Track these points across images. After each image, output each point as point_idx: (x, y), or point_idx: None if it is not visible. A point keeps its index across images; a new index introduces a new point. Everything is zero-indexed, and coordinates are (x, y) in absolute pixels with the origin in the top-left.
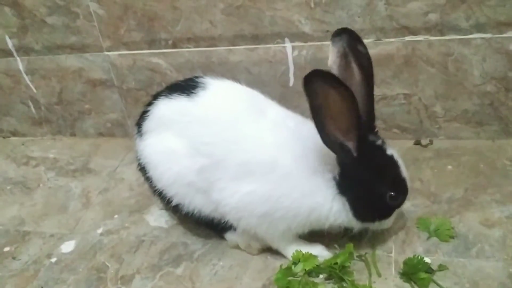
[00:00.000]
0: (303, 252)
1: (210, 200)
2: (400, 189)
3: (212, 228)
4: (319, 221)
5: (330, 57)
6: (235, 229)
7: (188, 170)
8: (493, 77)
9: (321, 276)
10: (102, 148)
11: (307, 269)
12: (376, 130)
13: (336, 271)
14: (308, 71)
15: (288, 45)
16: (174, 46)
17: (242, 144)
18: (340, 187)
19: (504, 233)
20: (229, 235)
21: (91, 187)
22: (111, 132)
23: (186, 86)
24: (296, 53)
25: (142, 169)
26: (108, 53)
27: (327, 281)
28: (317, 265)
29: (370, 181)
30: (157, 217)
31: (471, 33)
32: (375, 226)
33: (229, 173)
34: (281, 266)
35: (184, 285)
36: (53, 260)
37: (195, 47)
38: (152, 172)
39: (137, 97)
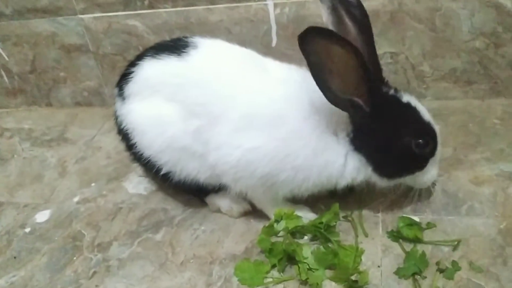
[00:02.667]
0: (285, 210)
1: (205, 165)
2: (427, 134)
3: (194, 193)
4: (331, 181)
5: (323, 15)
6: (216, 192)
7: (182, 133)
8: (482, 33)
9: (305, 237)
10: (79, 118)
11: (290, 227)
12: (386, 80)
13: (321, 231)
14: (291, 30)
15: (270, 2)
16: (151, 6)
17: (244, 98)
18: (355, 144)
19: (494, 190)
20: (210, 199)
21: (67, 156)
22: (88, 101)
23: (175, 46)
24: (278, 11)
25: (125, 136)
26: (82, 16)
27: (312, 242)
28: (301, 225)
29: (389, 134)
30: (136, 184)
31: None
32: (415, 181)
33: (229, 127)
34: (264, 226)
35: (164, 250)
36: (27, 230)
37: (172, 7)
38: (139, 139)
39: (114, 63)
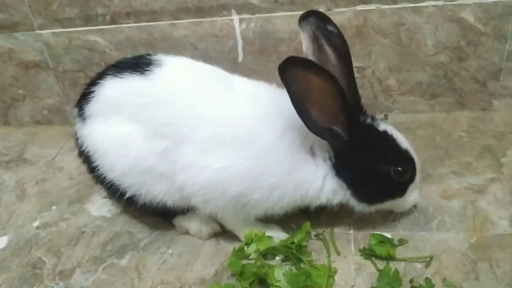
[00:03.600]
0: (255, 232)
1: (173, 187)
2: (405, 162)
3: (160, 214)
4: (305, 200)
5: (303, 43)
6: (184, 214)
7: (146, 154)
8: (446, 47)
9: (277, 258)
10: (39, 137)
11: (261, 249)
12: (364, 109)
13: (293, 252)
14: (257, 45)
15: (235, 17)
16: (113, 21)
17: (210, 118)
18: (336, 169)
19: (464, 203)
20: (178, 221)
21: (26, 178)
22: (49, 119)
23: (138, 64)
24: (244, 26)
25: (86, 158)
26: (41, 31)
27: (284, 263)
28: (272, 246)
29: (368, 162)
30: (99, 206)
31: (423, 1)
32: (396, 206)
33: (196, 148)
34: (234, 249)
35: (130, 276)
36: None
37: (135, 22)
38: (101, 162)
39: (75, 80)
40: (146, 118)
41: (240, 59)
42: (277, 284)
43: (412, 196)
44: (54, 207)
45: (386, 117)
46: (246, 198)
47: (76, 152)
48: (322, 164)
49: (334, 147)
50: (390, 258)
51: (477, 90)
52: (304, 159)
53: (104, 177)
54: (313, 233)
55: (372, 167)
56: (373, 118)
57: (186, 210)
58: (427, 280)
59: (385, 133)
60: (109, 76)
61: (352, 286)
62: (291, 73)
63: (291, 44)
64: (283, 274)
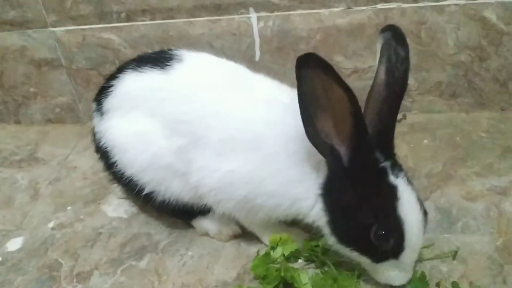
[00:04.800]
0: (281, 236)
1: (188, 184)
2: (391, 230)
3: (179, 215)
4: (299, 215)
5: (378, 47)
6: (204, 215)
7: (164, 152)
8: (467, 46)
9: (300, 261)
10: (51, 136)
11: (286, 253)
12: (390, 150)
13: (317, 255)
14: (275, 43)
15: (253, 15)
16: (128, 19)
17: (225, 120)
18: (323, 189)
19: (487, 206)
20: (197, 222)
21: (39, 178)
22: (61, 118)
23: (158, 59)
24: (261, 24)
25: (104, 154)
26: (54, 29)
27: (307, 266)
28: (297, 249)
29: (355, 202)
30: (116, 207)
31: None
32: (369, 268)
33: (210, 150)
34: (257, 252)
35: (149, 279)
36: None
37: (150, 19)
38: (119, 157)
39: (88, 78)
40: (164, 114)
41: (257, 58)
42: (304, 287)
43: (390, 273)
44: (69, 208)
45: (404, 117)
46: (251, 202)
47: (89, 151)
48: (317, 183)
49: (329, 167)
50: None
51: (497, 91)
52: (307, 172)
53: (122, 173)
54: None
55: (356, 210)
56: (393, 167)
57: (206, 211)
58: (454, 283)
59: (392, 188)
60: (129, 70)
61: None
62: (309, 71)
63: (310, 42)
64: (309, 278)
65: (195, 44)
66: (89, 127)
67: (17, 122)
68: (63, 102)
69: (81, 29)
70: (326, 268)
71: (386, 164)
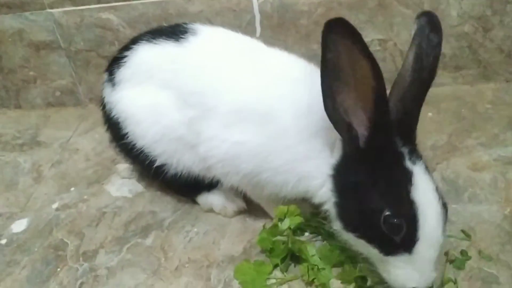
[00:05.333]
0: (288, 207)
1: (198, 156)
2: (403, 217)
3: (184, 191)
4: (308, 193)
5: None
6: (208, 190)
7: (177, 124)
8: (470, 16)
9: (306, 234)
10: (52, 119)
11: (293, 226)
12: (410, 137)
13: (324, 227)
14: (275, 19)
15: None
16: None
17: (236, 92)
18: (334, 170)
19: (494, 175)
20: (202, 198)
21: (42, 161)
22: (61, 101)
23: (173, 31)
24: None
25: (115, 125)
26: (51, 10)
27: (314, 239)
28: (304, 221)
29: (366, 185)
30: (119, 187)
31: None
32: (377, 262)
33: (219, 121)
34: (264, 225)
35: (155, 255)
36: (3, 241)
37: None
38: (132, 129)
39: (88, 60)
40: (177, 86)
41: (257, 34)
42: (312, 259)
43: (401, 271)
44: (72, 189)
45: None
46: (257, 177)
47: (91, 133)
48: (329, 163)
49: (344, 147)
50: None
51: (502, 61)
52: (317, 150)
53: (133, 145)
54: None
55: (367, 193)
56: (413, 156)
57: (211, 187)
58: (463, 252)
59: (407, 173)
60: (143, 42)
61: None
62: (336, 37)
63: (311, 17)
64: (316, 250)
65: (194, 21)
66: (90, 110)
67: (18, 107)
68: (63, 85)
69: (79, 9)
70: (333, 241)
71: (404, 149)
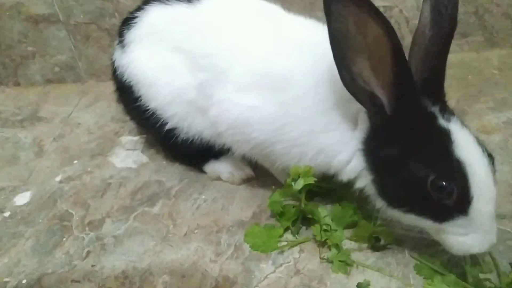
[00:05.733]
0: (303, 166)
1: (210, 122)
2: (454, 178)
3: (191, 160)
4: (328, 168)
5: None
6: (216, 158)
7: (188, 86)
8: None
9: (315, 198)
10: (52, 95)
11: (307, 184)
12: (439, 95)
13: (336, 188)
14: None
15: None
16: None
17: (251, 56)
18: (365, 144)
19: (504, 137)
20: (209, 166)
21: (43, 135)
22: (61, 77)
23: None
24: None
25: (126, 89)
26: None
27: (323, 202)
28: (316, 182)
29: (403, 153)
30: (124, 158)
31: None
32: (438, 235)
33: (232, 84)
34: (275, 188)
35: (164, 223)
36: (6, 214)
37: None
38: (144, 91)
39: (87, 33)
40: (188, 48)
41: None
42: (324, 220)
43: (462, 237)
44: (75, 162)
45: None
46: (270, 147)
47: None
48: (356, 137)
49: (371, 118)
50: None
51: (508, 27)
52: (338, 122)
53: (145, 108)
54: None
55: (406, 163)
56: (442, 110)
57: (218, 154)
58: None
59: (444, 131)
60: (155, 2)
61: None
62: (339, 5)
63: None
64: (328, 211)
65: None
66: (90, 86)
67: (16, 84)
68: (63, 60)
69: None
70: (345, 202)
71: (435, 108)
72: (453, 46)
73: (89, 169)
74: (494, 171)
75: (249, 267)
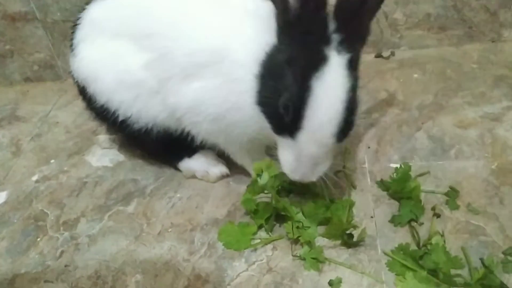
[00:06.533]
0: (264, 162)
1: (166, 105)
2: (295, 100)
3: (165, 158)
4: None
5: None
6: (189, 156)
7: (133, 68)
8: None
9: (291, 195)
10: (31, 94)
11: (276, 183)
12: (352, 27)
13: (309, 187)
14: None
15: None
16: None
17: (187, 30)
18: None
19: (481, 132)
20: (183, 165)
21: (21, 135)
22: (40, 76)
23: None
24: None
25: (82, 92)
26: None
27: (298, 200)
28: (288, 182)
29: (283, 66)
30: (100, 157)
31: None
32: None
33: (179, 69)
34: (247, 187)
35: (138, 222)
36: None
37: None
38: (93, 87)
39: (65, 31)
40: (128, 31)
41: None
42: (297, 217)
43: (285, 152)
44: (52, 161)
45: (393, 54)
46: (222, 121)
47: (71, 106)
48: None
49: (277, 19)
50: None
51: (487, 21)
52: None
53: (99, 105)
54: None
55: (279, 69)
56: (343, 46)
57: (191, 153)
58: (451, 201)
59: (320, 58)
60: (94, 0)
61: (372, 217)
62: None
63: None
64: (301, 208)
65: None
66: (69, 84)
67: None
68: (41, 58)
69: None
70: (318, 199)
71: (335, 35)
72: (432, 40)
73: (65, 168)
74: (346, 128)
75: (222, 265)
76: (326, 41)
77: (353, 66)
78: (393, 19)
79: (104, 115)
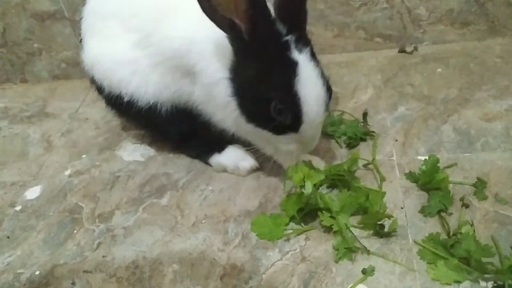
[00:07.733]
0: (301, 170)
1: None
2: (289, 105)
3: (195, 154)
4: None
5: None
6: (219, 152)
7: (124, 47)
8: None
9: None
10: (59, 91)
11: (316, 184)
12: (296, 23)
13: (343, 178)
14: None
15: None
16: None
17: (169, 17)
18: (232, 70)
19: (506, 124)
20: (214, 160)
21: (51, 131)
22: (67, 73)
23: None
24: None
25: (96, 85)
26: None
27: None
28: (324, 176)
29: (257, 80)
30: (131, 152)
31: None
32: (274, 146)
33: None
34: (283, 187)
35: (172, 214)
36: (18, 208)
37: None
38: (97, 72)
39: None
40: (115, 14)
41: None
42: (330, 206)
43: (291, 145)
44: (84, 156)
45: (416, 49)
46: (230, 107)
47: (99, 103)
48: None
49: (233, 44)
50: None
51: (510, 15)
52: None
53: (108, 93)
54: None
55: (259, 86)
56: (299, 43)
57: (221, 149)
58: (479, 192)
59: (292, 64)
60: None
61: (402, 207)
62: None
63: None
64: (334, 198)
65: None
66: None
67: (24, 81)
68: (69, 56)
69: None
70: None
71: (290, 37)
72: (455, 35)
73: (97, 163)
74: (328, 99)
75: (256, 255)
76: (287, 47)
77: (313, 52)
78: (416, 14)
79: (113, 102)
